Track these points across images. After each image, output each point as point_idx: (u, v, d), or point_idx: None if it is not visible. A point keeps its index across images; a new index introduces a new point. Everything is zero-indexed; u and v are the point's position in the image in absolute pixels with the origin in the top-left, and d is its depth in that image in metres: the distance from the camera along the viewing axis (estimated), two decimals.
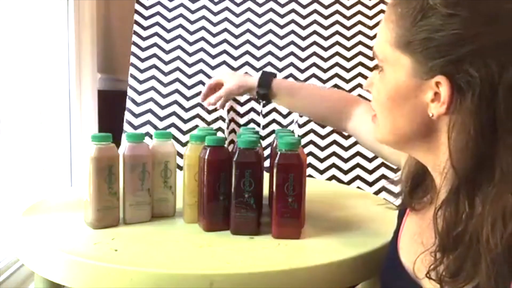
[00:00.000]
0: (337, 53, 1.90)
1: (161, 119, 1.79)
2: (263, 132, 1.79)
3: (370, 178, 1.73)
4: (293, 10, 1.97)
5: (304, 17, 1.96)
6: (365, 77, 1.86)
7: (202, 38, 1.91)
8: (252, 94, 1.16)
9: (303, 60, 1.89)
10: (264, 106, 1.82)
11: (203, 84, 1.84)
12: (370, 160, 1.75)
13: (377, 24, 1.95)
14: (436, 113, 0.65)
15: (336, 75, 1.87)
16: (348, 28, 1.94)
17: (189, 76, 1.86)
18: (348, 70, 1.88)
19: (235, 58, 1.89)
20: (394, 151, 0.92)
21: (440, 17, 0.64)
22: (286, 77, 1.86)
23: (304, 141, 1.75)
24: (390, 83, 0.70)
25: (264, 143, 1.73)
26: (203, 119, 1.80)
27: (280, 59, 1.90)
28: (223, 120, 1.80)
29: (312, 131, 1.78)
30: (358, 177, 1.73)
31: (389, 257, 0.82)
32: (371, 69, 1.87)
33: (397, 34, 0.68)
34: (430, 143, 0.69)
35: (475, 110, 0.62)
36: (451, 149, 0.64)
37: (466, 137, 0.63)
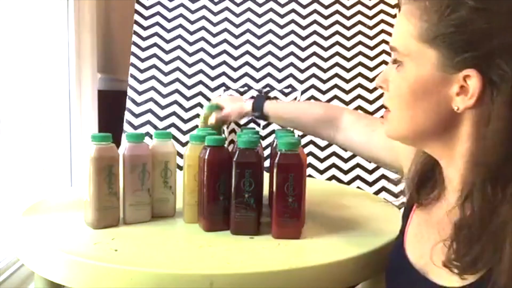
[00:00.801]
0: (337, 53, 1.90)
1: (161, 119, 1.79)
2: (263, 132, 1.79)
3: (370, 178, 1.73)
4: (293, 10, 1.97)
5: (304, 17, 1.96)
6: (365, 77, 1.87)
7: (202, 38, 1.91)
8: (250, 116, 1.26)
9: (303, 60, 1.89)
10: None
11: (203, 84, 1.85)
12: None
13: (377, 24, 1.95)
14: (462, 107, 0.66)
15: (336, 75, 1.87)
16: (348, 28, 1.94)
17: (189, 76, 1.86)
18: (348, 70, 1.88)
19: (235, 58, 1.89)
20: (395, 158, 0.93)
21: (469, 11, 0.63)
22: (286, 77, 1.86)
23: (304, 141, 1.75)
24: (413, 77, 0.69)
25: (264, 143, 1.73)
26: None
27: (280, 59, 1.89)
28: None
29: None
30: (358, 177, 1.73)
31: (394, 255, 0.82)
32: (371, 69, 1.87)
33: (421, 28, 0.67)
34: (447, 137, 0.69)
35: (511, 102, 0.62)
36: (478, 141, 0.65)
37: (500, 128, 0.63)
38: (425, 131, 0.70)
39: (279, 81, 1.86)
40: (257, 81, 1.86)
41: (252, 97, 1.24)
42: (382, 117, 0.78)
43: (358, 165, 1.74)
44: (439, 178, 0.76)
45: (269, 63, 1.89)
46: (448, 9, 0.65)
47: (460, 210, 0.66)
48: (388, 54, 1.89)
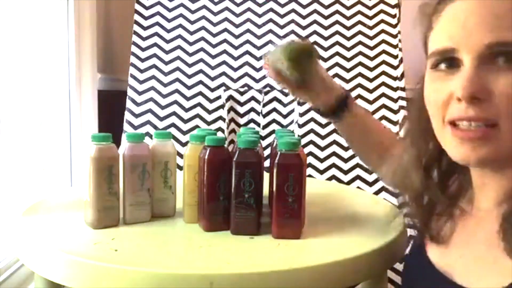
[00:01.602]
0: (337, 53, 1.90)
1: (161, 119, 1.79)
2: (263, 132, 1.79)
3: (370, 178, 1.73)
4: (293, 10, 1.97)
5: (304, 17, 1.96)
6: (365, 77, 1.86)
7: (202, 38, 1.91)
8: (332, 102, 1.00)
9: None
10: (264, 106, 1.82)
11: (203, 84, 1.84)
12: None
13: (377, 24, 1.95)
14: None
15: (336, 75, 1.87)
16: (348, 28, 1.94)
17: (189, 76, 1.86)
18: (348, 70, 1.88)
19: (235, 58, 1.89)
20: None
21: None
22: None
23: (304, 141, 1.75)
24: None
25: (264, 143, 1.73)
26: (203, 119, 1.80)
27: None
28: (223, 120, 1.80)
29: (312, 131, 1.78)
30: (358, 177, 1.73)
31: (414, 258, 0.79)
32: (371, 69, 1.87)
33: None
34: None
35: None
36: None
37: None
38: None
39: None
40: (257, 81, 1.86)
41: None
42: (480, 137, 0.62)
43: (358, 165, 1.74)
44: (465, 184, 0.72)
45: None
46: None
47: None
48: (388, 54, 1.89)
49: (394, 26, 1.94)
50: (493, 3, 0.60)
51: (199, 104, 1.81)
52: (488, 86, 0.60)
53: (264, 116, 1.82)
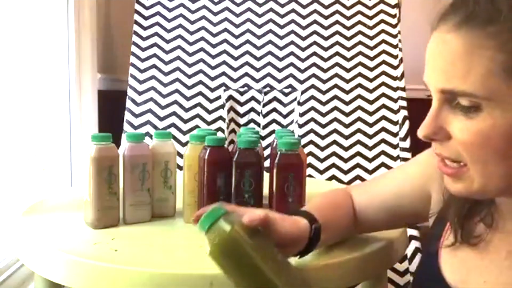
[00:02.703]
0: (337, 53, 1.90)
1: (161, 119, 1.79)
2: (263, 132, 1.79)
3: (370, 178, 1.73)
4: (293, 10, 1.97)
5: (304, 17, 1.96)
6: (365, 77, 1.86)
7: (202, 38, 1.91)
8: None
9: (303, 60, 1.89)
10: (264, 106, 1.82)
11: (203, 84, 1.85)
12: (370, 160, 1.75)
13: (377, 24, 1.95)
14: None
15: (336, 75, 1.87)
16: (348, 28, 1.94)
17: (189, 76, 1.86)
18: (348, 70, 1.88)
19: (235, 58, 1.89)
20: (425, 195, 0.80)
21: None
22: (286, 77, 1.86)
23: (304, 141, 1.75)
24: (508, 123, 0.56)
25: (264, 143, 1.73)
26: (203, 119, 1.80)
27: (280, 59, 1.89)
28: (223, 120, 1.80)
29: (312, 131, 1.78)
30: (358, 177, 1.73)
31: (425, 272, 0.75)
32: (371, 69, 1.87)
33: (510, 61, 0.55)
34: None
35: None
36: None
37: None
38: None
39: (279, 81, 1.86)
40: (257, 81, 1.86)
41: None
42: (450, 174, 0.63)
43: (358, 165, 1.74)
44: (488, 209, 0.68)
45: (269, 63, 1.89)
46: None
47: None
48: (388, 54, 1.89)
49: (394, 26, 1.94)
50: (447, 49, 0.59)
51: (199, 104, 1.81)
52: (448, 127, 0.60)
53: (264, 116, 1.83)
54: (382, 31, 1.94)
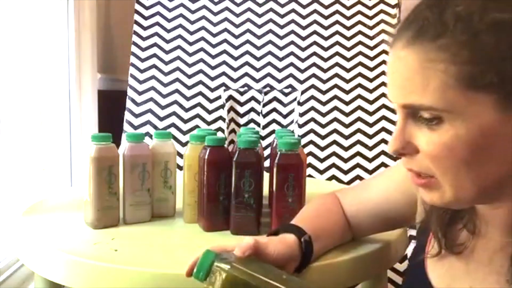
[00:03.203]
0: (337, 53, 1.90)
1: (161, 119, 1.79)
2: (263, 132, 1.79)
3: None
4: (293, 10, 1.97)
5: (304, 17, 1.96)
6: (365, 77, 1.86)
7: (202, 38, 1.91)
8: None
9: (303, 60, 1.89)
10: (264, 106, 1.82)
11: (203, 84, 1.84)
12: (370, 160, 1.75)
13: (377, 24, 1.95)
14: None
15: (336, 75, 1.87)
16: (348, 28, 1.94)
17: (189, 76, 1.86)
18: (348, 70, 1.88)
19: (235, 58, 1.89)
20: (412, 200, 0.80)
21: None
22: (286, 77, 1.86)
23: (304, 141, 1.75)
24: (470, 132, 0.56)
25: (264, 143, 1.73)
26: (203, 119, 1.80)
27: (280, 59, 1.89)
28: (223, 120, 1.80)
29: (312, 131, 1.78)
30: (358, 177, 1.73)
31: (414, 280, 0.76)
32: (371, 69, 1.87)
33: (463, 72, 0.55)
34: None
35: None
36: None
37: None
38: (495, 182, 0.60)
39: (279, 81, 1.86)
40: (257, 81, 1.86)
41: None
42: (422, 185, 0.63)
43: (358, 165, 1.74)
44: (470, 216, 0.68)
45: (269, 63, 1.89)
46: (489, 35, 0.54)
47: None
48: (388, 54, 1.89)
49: (394, 26, 1.94)
50: (403, 65, 0.59)
51: (199, 104, 1.81)
52: (415, 141, 0.61)
53: (264, 116, 1.83)
54: (382, 31, 1.94)
